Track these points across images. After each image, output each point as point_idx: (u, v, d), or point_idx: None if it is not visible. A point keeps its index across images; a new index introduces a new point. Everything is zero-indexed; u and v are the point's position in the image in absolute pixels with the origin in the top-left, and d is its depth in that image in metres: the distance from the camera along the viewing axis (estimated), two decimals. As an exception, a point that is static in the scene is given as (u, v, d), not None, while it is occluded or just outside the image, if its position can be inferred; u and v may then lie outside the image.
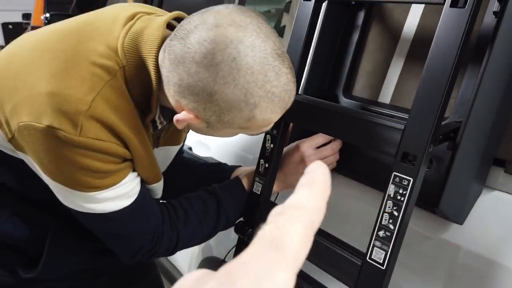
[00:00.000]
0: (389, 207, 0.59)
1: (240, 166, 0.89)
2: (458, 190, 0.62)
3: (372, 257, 0.60)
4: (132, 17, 0.66)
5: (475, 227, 0.64)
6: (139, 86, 0.63)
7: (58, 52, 0.62)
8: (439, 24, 0.56)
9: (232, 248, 0.93)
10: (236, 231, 0.79)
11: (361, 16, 0.83)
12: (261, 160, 0.77)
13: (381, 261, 0.59)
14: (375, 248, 0.60)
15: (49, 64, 0.61)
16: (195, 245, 0.80)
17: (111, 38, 0.63)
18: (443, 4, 0.55)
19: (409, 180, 0.57)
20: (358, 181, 0.78)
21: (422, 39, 0.74)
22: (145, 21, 0.66)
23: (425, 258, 0.68)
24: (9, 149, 0.67)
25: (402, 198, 0.58)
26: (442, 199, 0.61)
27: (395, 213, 0.58)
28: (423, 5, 0.74)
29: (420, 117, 0.57)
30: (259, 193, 0.77)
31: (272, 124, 0.65)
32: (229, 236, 0.97)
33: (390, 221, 0.59)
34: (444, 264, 0.66)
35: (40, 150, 0.61)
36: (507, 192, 0.63)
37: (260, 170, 0.77)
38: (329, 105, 0.68)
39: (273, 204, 0.77)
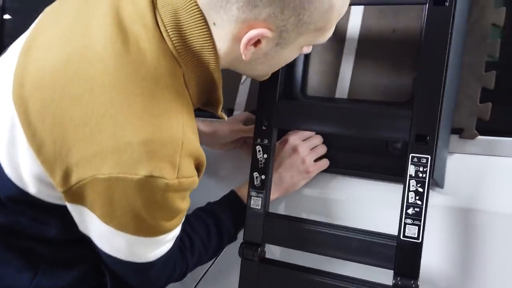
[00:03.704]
0: (413, 185, 0.66)
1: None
2: (439, 160, 0.74)
3: (406, 234, 0.66)
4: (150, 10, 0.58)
5: (452, 187, 0.76)
6: (197, 84, 0.61)
7: (130, 88, 0.55)
8: (425, 21, 0.65)
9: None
10: (242, 255, 0.74)
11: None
12: (255, 173, 0.74)
13: (415, 236, 0.66)
14: (407, 226, 0.66)
15: (127, 106, 0.54)
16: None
17: (162, 45, 0.56)
18: (426, 4, 0.65)
19: (427, 158, 0.65)
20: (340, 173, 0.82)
21: (368, 36, 0.83)
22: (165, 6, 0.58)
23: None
24: (52, 197, 0.59)
25: (424, 175, 0.65)
26: (435, 169, 0.71)
27: (420, 189, 0.65)
28: (362, 7, 0.83)
29: (426, 102, 0.65)
30: (259, 207, 0.74)
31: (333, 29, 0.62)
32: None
33: (417, 197, 0.66)
34: (441, 223, 0.76)
35: (116, 202, 0.56)
36: (464, 153, 0.78)
37: (255, 183, 0.74)
38: (330, 104, 0.71)
39: (277, 216, 0.75)
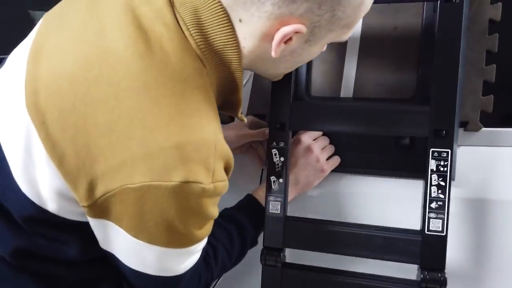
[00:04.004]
0: (434, 180, 0.67)
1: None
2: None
3: (430, 228, 0.67)
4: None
5: (462, 179, 0.78)
6: (217, 84, 0.59)
7: (158, 90, 0.51)
8: (438, 18, 0.66)
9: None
10: (264, 262, 0.72)
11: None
12: (272, 177, 0.73)
13: (440, 229, 0.67)
14: (431, 220, 0.67)
15: (157, 109, 0.51)
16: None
17: (185, 45, 0.54)
18: (438, 1, 0.66)
19: (447, 152, 0.66)
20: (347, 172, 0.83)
21: (370, 35, 0.84)
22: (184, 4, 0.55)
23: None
24: (73, 213, 0.56)
25: (445, 169, 0.66)
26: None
27: (442, 183, 0.67)
28: (362, 6, 0.84)
29: (442, 98, 0.66)
30: (278, 212, 0.73)
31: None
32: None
33: (439, 191, 0.67)
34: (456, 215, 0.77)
35: (147, 212, 0.52)
36: (470, 145, 0.80)
37: (273, 188, 0.73)
38: (348, 104, 0.70)
39: (297, 219, 0.74)
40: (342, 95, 0.86)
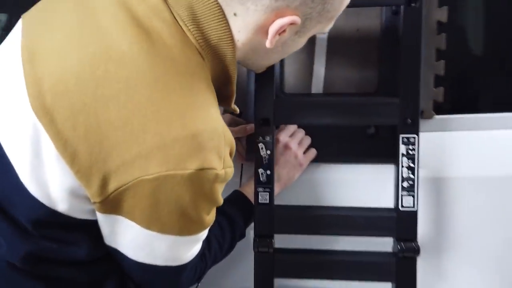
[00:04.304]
0: (405, 162, 0.76)
1: None
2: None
3: (404, 205, 0.76)
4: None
5: (422, 161, 0.89)
6: (213, 77, 0.61)
7: (168, 84, 0.54)
8: (402, 20, 0.76)
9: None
10: (257, 248, 0.77)
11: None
12: (260, 169, 0.78)
13: (412, 205, 0.76)
14: (403, 197, 0.76)
15: (168, 102, 0.53)
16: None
17: (185, 40, 0.57)
18: (403, 4, 0.75)
19: (414, 137, 0.76)
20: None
21: (336, 36, 0.91)
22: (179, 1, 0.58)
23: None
24: (83, 212, 0.57)
25: (413, 152, 0.76)
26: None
27: (411, 164, 0.76)
28: (328, 9, 0.91)
29: (408, 90, 0.76)
30: (268, 201, 0.78)
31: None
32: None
33: (409, 172, 0.76)
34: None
35: (162, 202, 0.54)
36: (425, 131, 0.91)
37: (261, 179, 0.78)
38: (327, 99, 0.77)
39: (284, 207, 0.80)
40: (313, 91, 0.94)
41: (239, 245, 0.81)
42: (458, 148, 0.89)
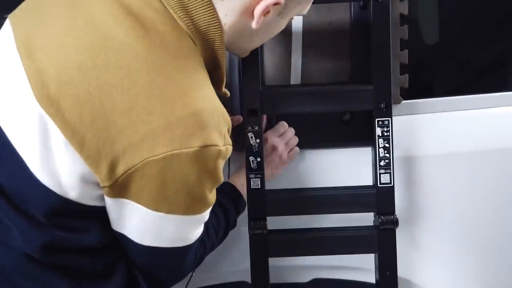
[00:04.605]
0: (381, 143, 0.84)
1: None
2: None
3: (382, 182, 0.84)
4: None
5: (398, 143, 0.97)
6: (205, 60, 0.63)
7: (167, 68, 0.56)
8: (372, 14, 0.83)
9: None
10: (252, 230, 0.83)
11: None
12: (251, 157, 0.83)
13: (389, 181, 0.84)
14: (381, 175, 0.84)
15: (170, 84, 0.56)
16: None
17: (177, 27, 0.59)
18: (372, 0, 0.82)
19: (388, 120, 0.84)
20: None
21: (310, 30, 0.98)
22: None
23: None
24: (94, 198, 0.59)
25: (388, 133, 0.84)
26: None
27: (387, 145, 0.84)
28: (301, 5, 0.98)
29: (381, 78, 0.83)
30: (259, 187, 0.84)
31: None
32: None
33: (385, 152, 0.84)
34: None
35: (169, 182, 0.57)
36: (394, 116, 1.00)
37: (252, 166, 0.84)
38: (308, 89, 0.84)
39: (275, 191, 0.86)
40: (292, 82, 1.00)
41: (234, 231, 0.86)
42: (424, 129, 0.99)
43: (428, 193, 0.95)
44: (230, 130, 0.64)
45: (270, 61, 0.99)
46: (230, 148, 0.62)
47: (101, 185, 0.57)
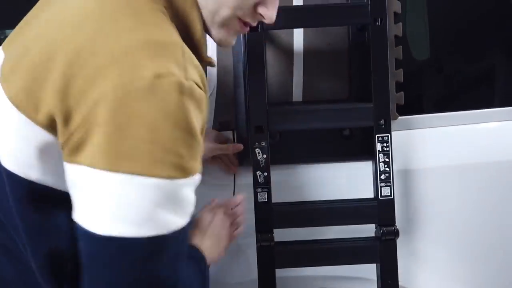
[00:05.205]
0: (381, 157, 0.89)
1: None
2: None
3: (382, 194, 0.88)
4: None
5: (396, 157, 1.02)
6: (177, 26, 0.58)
7: (118, 14, 0.54)
8: (371, 37, 0.88)
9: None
10: (259, 241, 0.86)
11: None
12: (258, 172, 0.87)
13: (389, 194, 0.89)
14: (382, 188, 0.88)
15: (118, 26, 0.53)
16: None
17: None
18: (370, 24, 0.88)
19: (388, 136, 0.89)
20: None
21: (311, 50, 1.03)
22: None
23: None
24: (56, 176, 0.54)
25: (388, 149, 0.89)
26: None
27: (387, 159, 0.89)
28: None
29: (380, 96, 0.88)
30: (266, 200, 0.87)
31: None
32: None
33: (385, 166, 0.89)
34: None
35: (126, 128, 0.49)
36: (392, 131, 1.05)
37: (260, 181, 0.87)
38: (312, 107, 0.88)
39: (282, 204, 0.89)
40: (294, 99, 1.04)
41: (240, 242, 0.89)
42: (419, 143, 1.04)
43: (425, 205, 1.00)
44: (205, 81, 0.56)
45: (273, 79, 1.04)
46: (199, 91, 0.52)
47: (59, 141, 0.52)
